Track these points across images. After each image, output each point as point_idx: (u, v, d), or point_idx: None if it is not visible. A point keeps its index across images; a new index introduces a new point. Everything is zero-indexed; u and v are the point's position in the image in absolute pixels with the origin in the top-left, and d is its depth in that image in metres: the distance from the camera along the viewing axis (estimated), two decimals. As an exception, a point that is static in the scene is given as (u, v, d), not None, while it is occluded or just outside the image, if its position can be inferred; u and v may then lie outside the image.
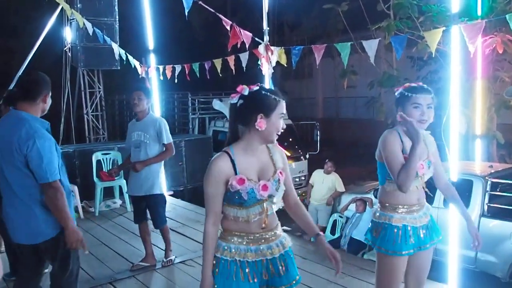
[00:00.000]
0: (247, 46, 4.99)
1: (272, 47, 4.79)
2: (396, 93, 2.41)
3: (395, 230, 2.36)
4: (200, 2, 4.60)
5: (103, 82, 9.19)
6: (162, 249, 4.37)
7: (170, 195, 6.71)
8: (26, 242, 2.49)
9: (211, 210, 1.92)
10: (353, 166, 10.70)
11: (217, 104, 9.18)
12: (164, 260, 4.12)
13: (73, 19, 6.59)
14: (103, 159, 6.29)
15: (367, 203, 6.20)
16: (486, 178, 5.18)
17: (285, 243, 2.03)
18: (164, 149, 3.94)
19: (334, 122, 17.68)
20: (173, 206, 6.20)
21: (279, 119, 1.91)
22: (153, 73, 6.54)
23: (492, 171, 5.45)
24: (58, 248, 2.47)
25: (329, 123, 15.91)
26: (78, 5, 6.67)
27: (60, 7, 6.53)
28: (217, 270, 1.93)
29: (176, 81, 6.30)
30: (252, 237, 1.95)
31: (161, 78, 6.36)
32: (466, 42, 3.38)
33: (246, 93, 1.89)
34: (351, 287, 3.61)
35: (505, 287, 4.79)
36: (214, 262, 1.95)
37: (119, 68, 6.84)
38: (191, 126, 9.71)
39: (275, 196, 1.95)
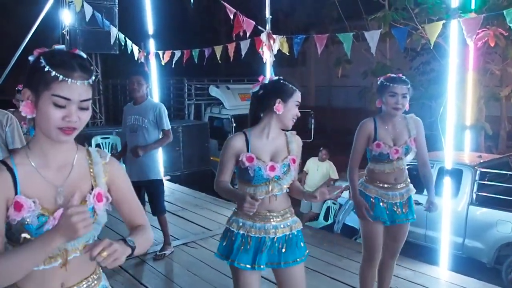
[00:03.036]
0: (247, 34, 5.06)
1: (274, 35, 4.87)
2: (378, 81, 2.73)
3: (372, 200, 2.72)
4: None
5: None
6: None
7: (167, 180, 6.81)
8: None
9: (218, 175, 2.13)
10: (345, 154, 10.82)
11: (213, 90, 9.22)
12: (158, 253, 4.03)
13: (71, 1, 6.56)
14: (102, 143, 6.37)
15: (360, 190, 6.37)
16: (475, 167, 5.36)
17: (293, 226, 2.14)
18: (162, 135, 3.90)
19: (326, 111, 17.81)
20: (171, 190, 6.31)
21: (295, 107, 2.11)
22: (153, 59, 6.57)
23: (481, 161, 5.65)
24: None
25: (321, 112, 16.02)
26: (77, -12, 6.62)
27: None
28: (226, 238, 2.15)
29: (173, 66, 6.35)
30: (258, 216, 2.07)
31: (163, 63, 6.39)
32: (462, 36, 3.52)
33: (266, 81, 2.13)
34: (349, 269, 3.77)
35: (490, 272, 5.01)
36: (228, 234, 2.15)
37: (117, 52, 6.85)
38: (186, 112, 9.76)
39: (283, 179, 2.08)
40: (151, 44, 6.66)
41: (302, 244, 2.18)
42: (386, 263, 2.89)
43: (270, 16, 5.04)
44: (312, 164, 7.41)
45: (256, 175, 2.04)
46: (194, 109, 9.83)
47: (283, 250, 2.11)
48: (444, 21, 3.67)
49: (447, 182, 3.84)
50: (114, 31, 6.66)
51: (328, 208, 6.94)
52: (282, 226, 2.12)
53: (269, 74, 4.96)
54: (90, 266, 1.36)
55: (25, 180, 1.22)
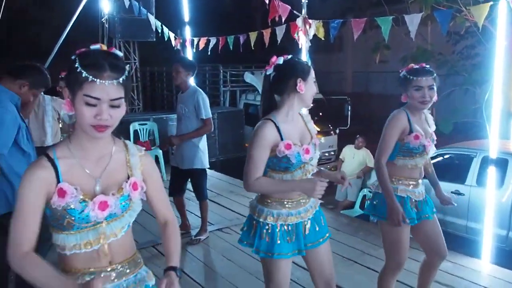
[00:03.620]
0: (283, 19, 4.98)
1: (310, 20, 4.77)
2: (400, 74, 2.51)
3: (401, 201, 2.50)
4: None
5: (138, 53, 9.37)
6: (199, 217, 4.56)
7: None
8: None
9: (253, 172, 1.96)
10: (382, 141, 10.59)
11: (248, 77, 9.21)
12: (193, 237, 4.10)
13: (111, -10, 6.70)
14: (140, 129, 6.51)
15: (398, 178, 6.22)
16: (523, 157, 5.10)
17: (315, 204, 2.16)
18: (202, 124, 3.86)
19: (363, 97, 17.44)
20: (207, 177, 6.38)
21: (313, 84, 2.06)
22: (189, 45, 6.62)
23: (529, 150, 5.37)
24: None
25: (358, 98, 15.68)
26: (115, -23, 6.77)
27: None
28: (262, 234, 2.03)
29: (208, 53, 6.37)
30: (291, 203, 2.05)
31: (194, 50, 6.42)
32: (511, 17, 3.32)
33: (281, 62, 2.03)
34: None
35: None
36: (255, 224, 2.07)
37: (154, 39, 6.94)
38: (222, 99, 9.82)
39: (313, 159, 2.07)
40: (187, 31, 6.71)
41: (323, 222, 2.20)
42: (435, 265, 2.67)
43: (306, 0, 4.93)
44: (349, 151, 7.31)
45: (296, 161, 1.98)
46: (229, 96, 9.88)
47: (317, 229, 2.12)
48: (491, 3, 3.46)
49: (492, 172, 3.67)
50: (152, 19, 6.75)
51: (364, 197, 6.82)
52: (310, 206, 2.12)
53: (305, 59, 4.87)
54: (131, 249, 1.49)
55: (67, 171, 1.32)
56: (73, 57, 1.28)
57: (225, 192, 5.74)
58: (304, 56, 4.86)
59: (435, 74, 2.44)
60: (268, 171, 2.04)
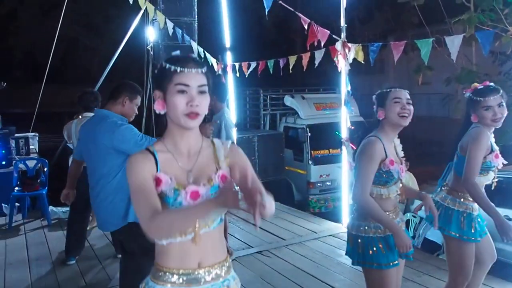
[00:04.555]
0: (322, 43, 5.04)
1: (349, 44, 4.80)
2: (465, 95, 2.55)
3: (478, 219, 2.61)
4: (280, 2, 4.74)
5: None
6: (239, 239, 4.59)
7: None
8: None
9: (366, 185, 2.16)
10: (426, 165, 10.30)
11: (288, 100, 9.27)
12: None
13: (155, 19, 7.01)
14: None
15: (443, 203, 6.00)
16: None
17: (403, 217, 2.37)
18: None
19: (405, 119, 17.06)
20: (246, 198, 6.42)
21: (394, 104, 2.20)
22: (230, 70, 6.81)
23: None
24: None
25: (400, 120, 15.37)
26: (161, 6, 7.09)
27: (144, 8, 7.01)
28: (374, 248, 2.18)
29: (246, 76, 6.51)
30: (393, 214, 2.25)
31: (238, 75, 6.59)
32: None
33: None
34: (428, 285, 3.57)
35: None
36: (359, 241, 2.23)
37: (197, 65, 7.20)
38: (262, 122, 9.90)
39: (403, 179, 2.30)
40: (228, 56, 6.90)
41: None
42: (488, 266, 2.74)
43: (345, 25, 4.97)
44: (390, 175, 7.14)
45: (396, 177, 2.20)
46: (269, 119, 9.95)
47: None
48: (537, 22, 3.37)
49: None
50: (194, 46, 7.00)
51: (407, 221, 6.61)
52: (401, 217, 2.32)
53: (344, 83, 4.89)
54: (222, 252, 1.56)
55: (164, 163, 1.47)
56: (160, 64, 1.49)
57: (265, 214, 5.74)
58: (343, 80, 4.88)
59: (501, 91, 2.46)
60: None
